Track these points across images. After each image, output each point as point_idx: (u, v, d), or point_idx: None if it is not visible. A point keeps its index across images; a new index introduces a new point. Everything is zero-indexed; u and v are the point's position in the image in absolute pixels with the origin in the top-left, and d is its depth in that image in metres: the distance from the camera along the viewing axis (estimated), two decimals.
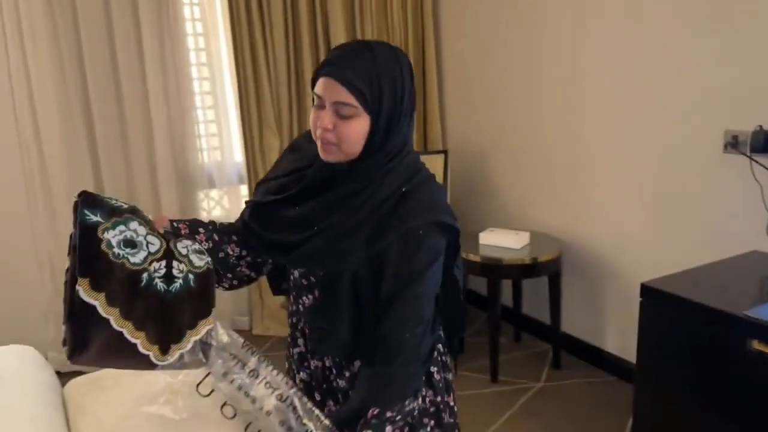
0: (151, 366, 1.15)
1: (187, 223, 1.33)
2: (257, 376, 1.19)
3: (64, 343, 1.13)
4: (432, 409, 1.34)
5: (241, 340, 1.20)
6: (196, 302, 1.19)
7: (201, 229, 1.33)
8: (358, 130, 1.16)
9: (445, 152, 3.26)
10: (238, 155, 3.49)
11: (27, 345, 2.15)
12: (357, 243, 1.18)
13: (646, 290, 1.98)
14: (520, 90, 3.21)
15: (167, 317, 1.16)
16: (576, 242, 3.01)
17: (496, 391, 2.85)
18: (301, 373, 1.39)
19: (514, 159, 3.32)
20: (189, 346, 1.17)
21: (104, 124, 3.07)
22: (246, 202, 1.37)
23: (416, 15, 3.55)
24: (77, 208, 1.14)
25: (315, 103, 1.20)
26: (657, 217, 2.61)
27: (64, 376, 2.95)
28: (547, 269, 2.87)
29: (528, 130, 3.20)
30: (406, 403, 1.19)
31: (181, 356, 1.16)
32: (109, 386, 1.88)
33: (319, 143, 1.20)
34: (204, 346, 1.18)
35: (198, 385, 1.18)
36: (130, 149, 3.15)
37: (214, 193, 3.49)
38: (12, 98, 2.91)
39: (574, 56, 2.86)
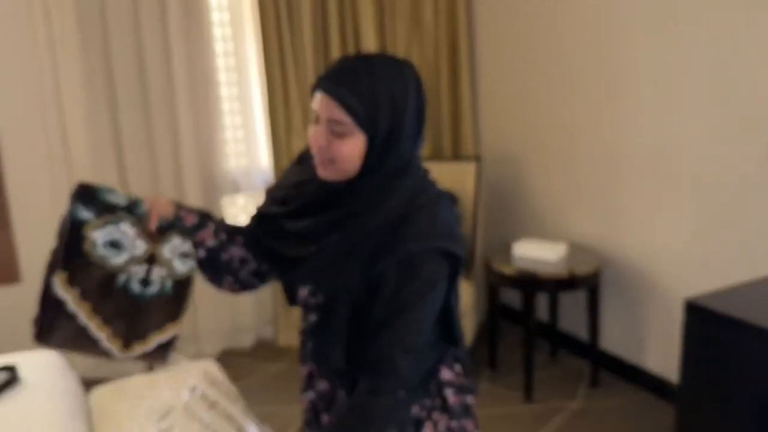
0: (112, 357, 1.23)
1: (197, 214, 1.33)
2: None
3: (34, 324, 1.18)
4: None
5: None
6: (169, 307, 1.25)
7: (210, 224, 1.33)
8: (352, 149, 1.13)
9: (477, 158, 3.18)
10: (264, 160, 3.45)
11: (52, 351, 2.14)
12: (353, 266, 1.15)
13: (690, 307, 1.89)
14: (556, 95, 3.12)
15: (136, 317, 1.22)
16: (615, 254, 2.90)
17: (530, 410, 2.75)
18: (309, 392, 1.35)
19: (550, 166, 3.23)
20: (153, 345, 1.23)
21: (131, 128, 3.06)
22: (258, 212, 1.35)
23: (449, 14, 3.47)
24: (73, 198, 1.19)
25: (313, 117, 1.17)
26: (701, 228, 2.50)
27: (90, 383, 2.95)
28: (584, 283, 2.76)
29: (565, 136, 3.10)
30: None
31: (143, 353, 1.23)
32: (132, 396, 1.86)
33: (316, 160, 1.18)
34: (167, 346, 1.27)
35: None
36: (157, 154, 3.13)
37: (240, 199, 3.47)
38: (42, 103, 2.92)
39: (614, 59, 2.77)
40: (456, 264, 1.18)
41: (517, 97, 3.39)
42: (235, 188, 3.41)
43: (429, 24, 3.46)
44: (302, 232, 1.20)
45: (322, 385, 1.31)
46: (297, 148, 3.28)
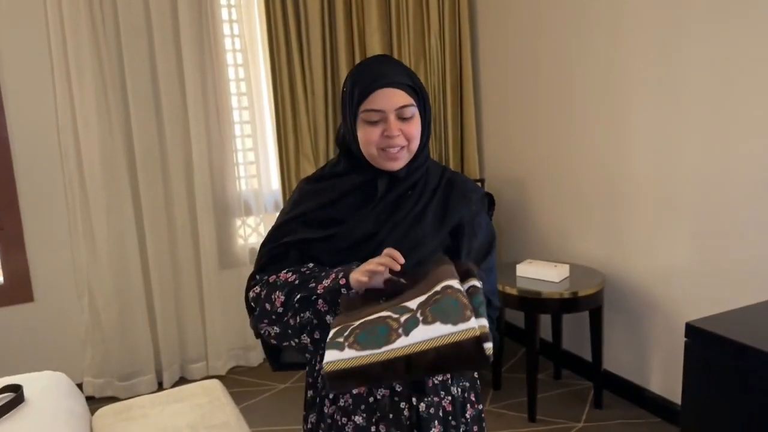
0: None
1: None
2: None
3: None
4: (476, 416, 1.36)
5: None
6: None
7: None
8: (418, 126, 1.27)
9: (482, 180, 3.21)
10: (275, 183, 3.51)
11: (65, 370, 2.19)
12: (426, 228, 1.26)
13: (692, 330, 1.88)
14: (560, 117, 3.14)
15: None
16: (618, 276, 2.90)
17: (533, 431, 2.74)
18: (356, 417, 1.28)
19: (553, 188, 3.25)
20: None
21: (144, 152, 3.13)
22: (285, 243, 1.31)
23: (453, 42, 3.56)
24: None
25: (367, 120, 1.24)
26: (703, 251, 2.50)
27: (99, 402, 3.00)
28: (587, 304, 2.76)
29: (568, 158, 3.13)
30: None
31: None
32: (135, 416, 1.89)
33: (384, 156, 1.25)
34: None
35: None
36: (170, 176, 3.20)
37: (250, 221, 3.52)
38: (57, 127, 3.00)
39: (616, 83, 2.79)
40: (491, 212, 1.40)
41: (521, 121, 3.42)
42: (247, 210, 3.47)
43: (434, 53, 3.53)
44: (368, 229, 1.27)
45: (383, 392, 1.26)
46: (306, 170, 3.34)
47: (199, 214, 3.26)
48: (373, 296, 1.15)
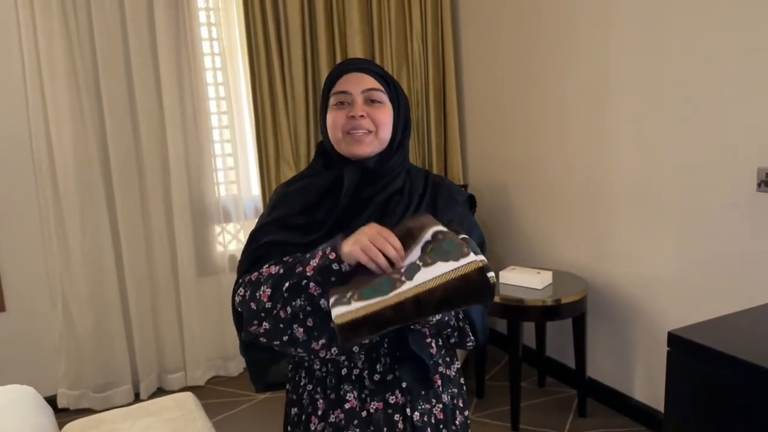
0: None
1: None
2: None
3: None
4: (463, 423, 1.36)
5: None
6: None
7: None
8: (388, 115, 1.25)
9: (465, 186, 3.18)
10: (255, 189, 3.46)
11: (39, 382, 2.13)
12: None
13: (674, 339, 1.85)
14: (543, 123, 3.12)
15: None
16: (602, 282, 2.88)
17: None
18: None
19: (537, 195, 3.22)
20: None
21: (120, 158, 3.06)
22: (265, 244, 1.24)
23: (436, 46, 3.53)
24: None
25: (334, 103, 1.25)
26: (687, 257, 2.48)
27: (73, 414, 2.93)
28: (570, 311, 2.73)
29: (552, 164, 3.10)
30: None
31: None
32: (106, 430, 1.83)
33: (348, 139, 1.23)
34: None
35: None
36: (146, 182, 3.14)
37: (230, 227, 3.46)
38: (29, 131, 2.93)
39: (600, 89, 2.77)
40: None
41: (504, 126, 3.40)
42: (226, 217, 3.41)
43: (417, 57, 3.50)
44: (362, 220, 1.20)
45: (375, 405, 1.24)
46: (286, 175, 3.29)
47: (177, 220, 3.19)
48: (362, 272, 1.11)
